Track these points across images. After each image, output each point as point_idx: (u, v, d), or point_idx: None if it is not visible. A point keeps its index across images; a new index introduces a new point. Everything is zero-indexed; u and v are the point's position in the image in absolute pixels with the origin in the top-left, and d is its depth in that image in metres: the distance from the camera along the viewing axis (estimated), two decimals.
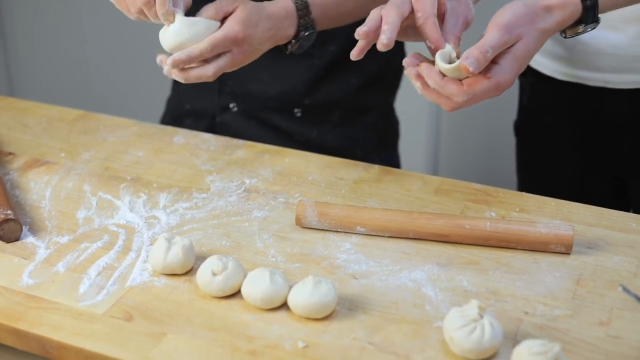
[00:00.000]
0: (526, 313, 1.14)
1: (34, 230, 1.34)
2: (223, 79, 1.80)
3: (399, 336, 1.10)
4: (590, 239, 1.30)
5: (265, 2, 1.44)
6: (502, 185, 1.50)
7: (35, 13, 3.57)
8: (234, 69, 1.43)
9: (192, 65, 1.37)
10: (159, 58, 1.38)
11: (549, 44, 1.70)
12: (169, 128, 1.70)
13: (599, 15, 1.29)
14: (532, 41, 1.24)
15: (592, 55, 1.64)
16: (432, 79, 1.24)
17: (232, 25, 1.37)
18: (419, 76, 1.27)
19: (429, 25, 1.26)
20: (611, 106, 1.67)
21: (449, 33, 1.29)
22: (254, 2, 1.41)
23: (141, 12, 1.36)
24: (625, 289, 1.14)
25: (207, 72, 1.37)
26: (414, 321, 1.12)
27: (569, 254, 1.26)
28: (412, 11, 1.29)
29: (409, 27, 1.31)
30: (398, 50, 1.90)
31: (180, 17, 1.35)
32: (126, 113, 2.08)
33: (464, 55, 1.19)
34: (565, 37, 1.32)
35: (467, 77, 1.22)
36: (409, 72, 1.28)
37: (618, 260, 1.25)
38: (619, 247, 1.28)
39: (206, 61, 1.38)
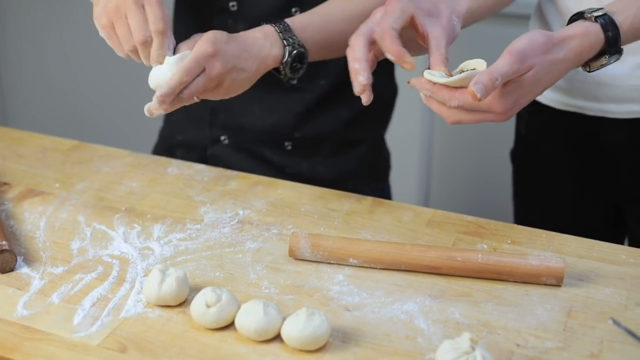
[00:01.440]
0: (518, 345, 1.14)
1: (29, 261, 1.34)
2: (215, 112, 1.81)
3: None
4: (581, 271, 1.31)
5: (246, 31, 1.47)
6: (494, 216, 1.51)
7: (29, 43, 3.58)
8: (221, 92, 1.43)
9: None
10: (147, 108, 1.39)
11: None
12: (163, 159, 1.71)
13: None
14: (542, 72, 1.24)
15: (591, 85, 1.65)
16: (425, 88, 1.26)
17: (200, 44, 1.38)
18: None
19: (387, 40, 1.29)
20: (609, 135, 1.68)
21: (434, 55, 1.30)
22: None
23: (134, 51, 1.38)
24: (615, 322, 1.15)
25: (182, 95, 1.37)
26: (406, 353, 1.13)
27: (560, 286, 1.27)
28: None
29: (409, 39, 1.33)
30: (388, 83, 1.91)
31: (168, 58, 1.38)
32: (119, 143, 2.09)
33: (473, 80, 1.20)
34: (589, 71, 1.32)
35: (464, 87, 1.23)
36: (410, 85, 1.30)
37: (609, 293, 1.26)
38: (610, 279, 1.29)
39: None
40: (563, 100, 1.72)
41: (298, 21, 1.50)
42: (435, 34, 1.32)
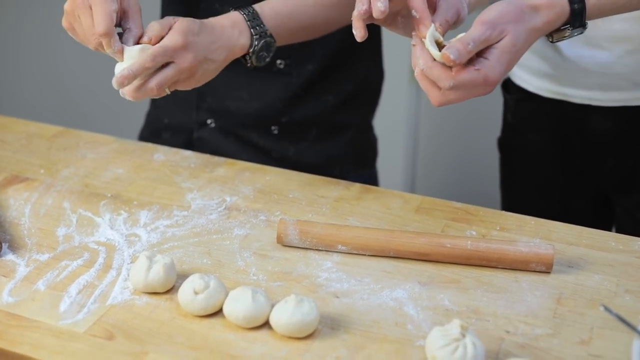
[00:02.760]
0: (507, 332, 1.14)
1: (14, 248, 1.33)
2: (201, 95, 1.81)
3: (381, 355, 1.10)
4: (570, 258, 1.31)
5: (213, 17, 1.45)
6: (480, 203, 1.50)
7: (13, 28, 3.56)
8: (190, 82, 1.41)
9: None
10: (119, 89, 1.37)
11: (534, 62, 1.71)
12: (149, 145, 1.69)
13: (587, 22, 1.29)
14: (519, 38, 1.24)
15: (578, 73, 1.65)
16: (423, 60, 1.24)
17: (171, 35, 1.36)
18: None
19: None
20: (596, 123, 1.69)
21: (439, 16, 1.28)
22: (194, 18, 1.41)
23: (100, 45, 1.37)
24: (606, 309, 1.15)
25: (150, 85, 1.35)
26: (395, 340, 1.13)
27: (549, 272, 1.27)
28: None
29: (400, 15, 1.31)
30: (375, 68, 1.91)
31: (129, 50, 1.36)
32: (105, 127, 2.08)
33: (446, 47, 1.20)
34: (552, 42, 1.32)
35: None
36: (413, 46, 1.27)
37: (598, 279, 1.26)
38: (599, 266, 1.29)
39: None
40: (550, 88, 1.72)
41: (268, 7, 1.49)
42: (450, 3, 1.30)
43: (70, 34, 1.43)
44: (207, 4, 1.71)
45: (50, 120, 1.95)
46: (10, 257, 1.31)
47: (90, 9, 1.35)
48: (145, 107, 1.99)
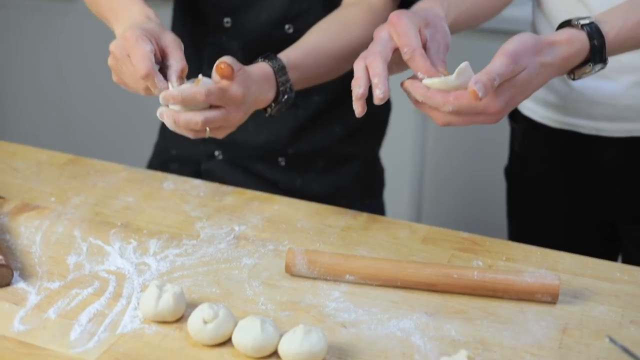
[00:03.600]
0: None
1: (25, 276, 1.34)
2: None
3: None
4: (576, 289, 1.31)
5: (249, 66, 1.46)
6: (487, 233, 1.51)
7: (24, 57, 3.58)
8: (227, 132, 1.42)
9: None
10: (159, 111, 1.39)
11: (541, 92, 1.72)
12: (158, 174, 1.71)
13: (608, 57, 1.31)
14: (533, 73, 1.25)
15: (586, 103, 1.65)
16: (419, 93, 1.26)
17: (232, 84, 1.37)
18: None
19: (417, 58, 1.28)
20: (603, 154, 1.69)
21: (434, 57, 1.30)
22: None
23: (147, 89, 1.38)
24: (612, 340, 1.16)
25: (197, 118, 1.35)
26: None
27: (555, 303, 1.27)
28: (395, 49, 1.31)
29: (393, 63, 1.33)
30: None
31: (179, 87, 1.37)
32: (114, 157, 2.09)
33: (473, 79, 1.20)
34: (573, 79, 1.33)
35: (456, 90, 1.24)
36: (403, 87, 1.30)
37: (603, 310, 1.26)
38: (605, 297, 1.30)
39: None
40: (558, 118, 1.73)
41: (293, 58, 1.51)
42: (436, 39, 1.32)
43: (123, 87, 1.43)
44: (214, 38, 1.73)
45: (59, 148, 1.97)
46: (21, 285, 1.32)
47: (129, 56, 1.36)
48: (153, 138, 2.01)
